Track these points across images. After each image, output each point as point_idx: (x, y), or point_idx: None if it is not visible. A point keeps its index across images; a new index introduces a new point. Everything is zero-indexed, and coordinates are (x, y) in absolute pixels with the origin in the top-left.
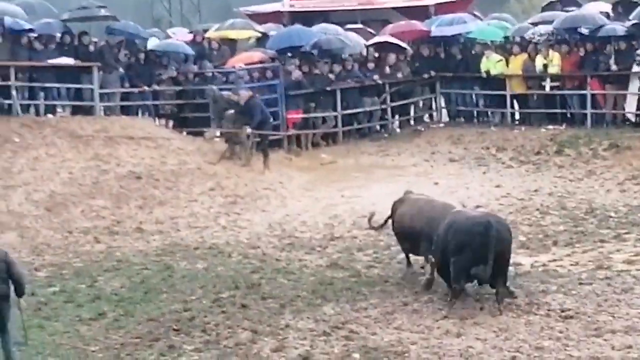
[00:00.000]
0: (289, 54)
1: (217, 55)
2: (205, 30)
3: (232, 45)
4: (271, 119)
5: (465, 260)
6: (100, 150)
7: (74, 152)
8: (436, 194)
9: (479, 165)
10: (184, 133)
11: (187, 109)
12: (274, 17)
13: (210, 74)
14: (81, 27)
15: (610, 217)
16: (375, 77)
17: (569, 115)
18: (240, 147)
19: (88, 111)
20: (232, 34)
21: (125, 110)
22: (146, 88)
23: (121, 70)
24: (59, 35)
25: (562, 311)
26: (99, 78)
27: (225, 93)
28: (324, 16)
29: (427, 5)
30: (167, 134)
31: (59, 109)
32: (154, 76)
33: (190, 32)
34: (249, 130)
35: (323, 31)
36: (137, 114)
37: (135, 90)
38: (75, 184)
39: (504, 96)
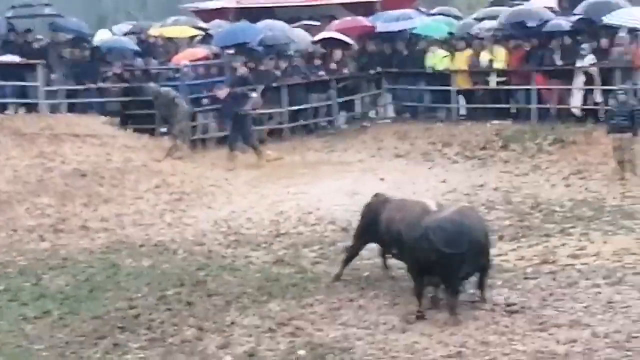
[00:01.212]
0: (232, 51)
1: (163, 52)
2: (149, 28)
3: (176, 42)
4: None
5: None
6: (45, 148)
7: (19, 150)
8: (382, 190)
9: (424, 160)
10: (130, 130)
11: (132, 106)
12: (220, 13)
13: (156, 71)
14: (26, 25)
15: (556, 211)
16: (321, 73)
17: (514, 110)
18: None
19: (33, 109)
20: (173, 32)
21: (71, 108)
22: (92, 85)
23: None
24: (3, 32)
25: (508, 305)
26: (44, 75)
27: (164, 89)
28: (270, 13)
29: (373, 1)
30: (113, 131)
31: (8, 110)
32: (100, 73)
33: (132, 32)
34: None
35: (269, 28)
36: (82, 111)
37: (81, 87)
38: (20, 181)
39: (450, 92)
